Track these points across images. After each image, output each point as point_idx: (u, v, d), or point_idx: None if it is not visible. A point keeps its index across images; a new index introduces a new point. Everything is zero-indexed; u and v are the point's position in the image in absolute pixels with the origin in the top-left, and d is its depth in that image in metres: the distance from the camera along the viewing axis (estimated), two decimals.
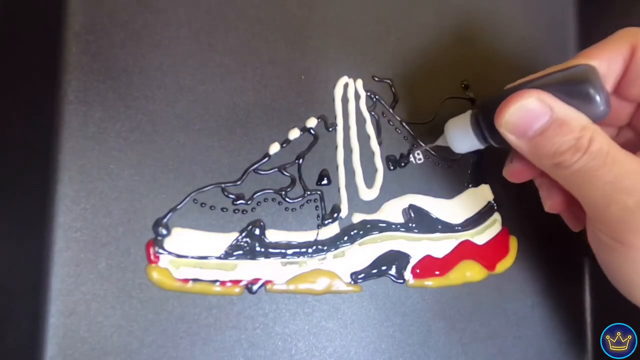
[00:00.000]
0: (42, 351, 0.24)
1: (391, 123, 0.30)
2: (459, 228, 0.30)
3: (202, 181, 0.27)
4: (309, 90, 0.29)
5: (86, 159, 0.26)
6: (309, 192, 0.28)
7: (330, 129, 0.29)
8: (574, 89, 0.21)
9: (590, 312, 0.31)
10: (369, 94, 0.30)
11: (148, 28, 0.27)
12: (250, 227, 0.27)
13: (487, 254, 0.30)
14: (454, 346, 0.29)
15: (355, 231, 0.29)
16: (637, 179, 0.20)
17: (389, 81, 0.30)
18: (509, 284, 0.30)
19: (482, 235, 0.30)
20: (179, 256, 0.26)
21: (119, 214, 0.26)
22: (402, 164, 0.30)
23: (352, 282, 0.28)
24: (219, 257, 0.27)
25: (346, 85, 0.29)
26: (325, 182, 0.29)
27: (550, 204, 0.26)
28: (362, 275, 0.28)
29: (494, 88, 0.31)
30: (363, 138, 0.29)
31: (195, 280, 0.26)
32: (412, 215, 0.29)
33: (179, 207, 0.27)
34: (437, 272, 0.29)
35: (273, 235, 0.28)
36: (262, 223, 0.27)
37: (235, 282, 0.27)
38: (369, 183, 0.29)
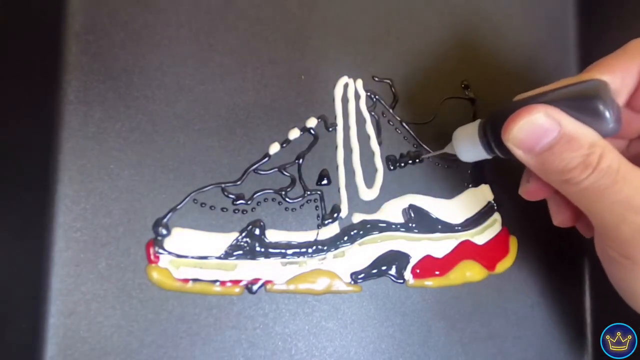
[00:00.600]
0: (42, 351, 0.24)
1: (391, 123, 0.30)
2: (459, 228, 0.30)
3: (202, 181, 0.27)
4: (309, 90, 0.29)
5: (86, 159, 0.26)
6: (309, 192, 0.28)
7: (330, 129, 0.29)
8: (584, 104, 0.21)
9: (590, 312, 0.31)
10: (369, 94, 0.30)
11: (148, 28, 0.27)
12: (250, 227, 0.27)
13: (487, 254, 0.30)
14: (454, 346, 0.29)
15: (355, 231, 0.29)
16: None
17: (389, 81, 0.30)
18: (509, 284, 0.30)
19: (482, 235, 0.30)
20: (179, 256, 0.26)
21: (119, 214, 0.26)
22: (402, 164, 0.30)
23: (352, 282, 0.28)
24: (219, 257, 0.27)
25: (346, 85, 0.29)
26: (325, 182, 0.29)
27: (561, 219, 0.26)
28: (362, 275, 0.28)
29: (494, 88, 0.31)
30: (363, 138, 0.29)
31: (195, 280, 0.26)
32: (412, 215, 0.29)
33: (179, 207, 0.27)
34: (437, 272, 0.29)
35: (273, 235, 0.28)
36: (262, 223, 0.27)
37: (235, 282, 0.27)
38: (369, 183, 0.29)
